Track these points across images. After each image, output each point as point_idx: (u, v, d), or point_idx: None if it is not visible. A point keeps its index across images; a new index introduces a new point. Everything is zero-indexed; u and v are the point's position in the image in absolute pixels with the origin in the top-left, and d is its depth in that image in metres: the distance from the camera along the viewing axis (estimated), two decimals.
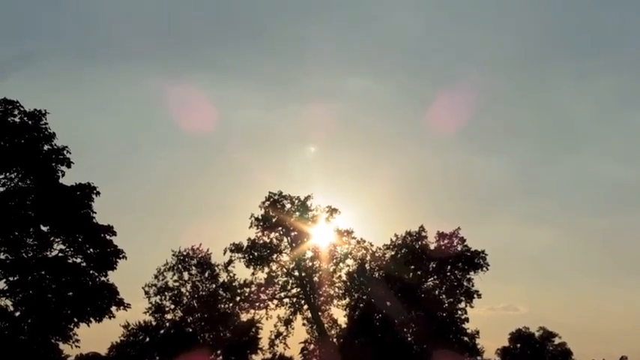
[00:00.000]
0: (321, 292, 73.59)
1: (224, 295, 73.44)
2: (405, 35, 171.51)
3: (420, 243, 75.24)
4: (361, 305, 73.43)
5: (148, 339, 72.74)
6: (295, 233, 72.89)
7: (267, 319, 73.02)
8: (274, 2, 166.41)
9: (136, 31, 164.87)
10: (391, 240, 76.13)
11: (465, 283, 74.46)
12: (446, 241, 75.06)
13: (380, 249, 75.65)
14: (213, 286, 73.36)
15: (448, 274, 75.06)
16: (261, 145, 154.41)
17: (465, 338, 73.91)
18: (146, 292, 71.80)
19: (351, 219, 76.73)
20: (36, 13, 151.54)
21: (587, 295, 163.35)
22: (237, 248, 72.24)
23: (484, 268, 74.21)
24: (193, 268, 73.44)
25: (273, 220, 72.60)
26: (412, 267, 74.35)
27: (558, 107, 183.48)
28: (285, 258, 73.30)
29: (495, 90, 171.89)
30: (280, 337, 72.29)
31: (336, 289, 74.22)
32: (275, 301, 72.86)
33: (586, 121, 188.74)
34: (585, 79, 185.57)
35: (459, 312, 74.09)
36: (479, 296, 74.04)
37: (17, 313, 48.53)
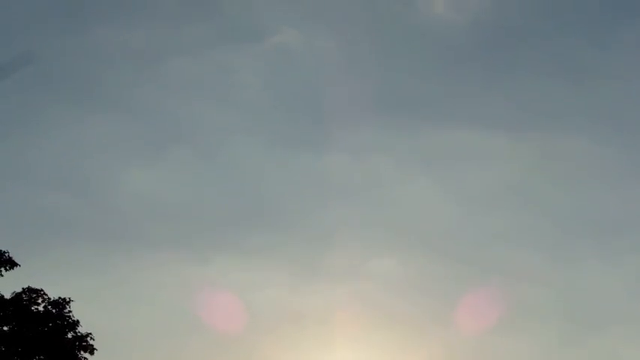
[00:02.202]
0: None
1: None
2: (428, 221, 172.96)
3: None
4: None
5: None
6: None
7: None
8: (298, 187, 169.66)
9: (159, 216, 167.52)
10: None
11: None
12: None
13: None
14: None
15: None
16: (285, 328, 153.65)
17: None
18: None
19: None
20: (56, 200, 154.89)
21: None
22: None
23: None
24: None
25: None
26: None
27: (583, 288, 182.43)
28: None
29: (521, 275, 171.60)
30: None
31: None
32: None
33: (611, 302, 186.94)
34: (610, 260, 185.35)
35: None
36: None
37: None
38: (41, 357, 48.85)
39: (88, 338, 50.19)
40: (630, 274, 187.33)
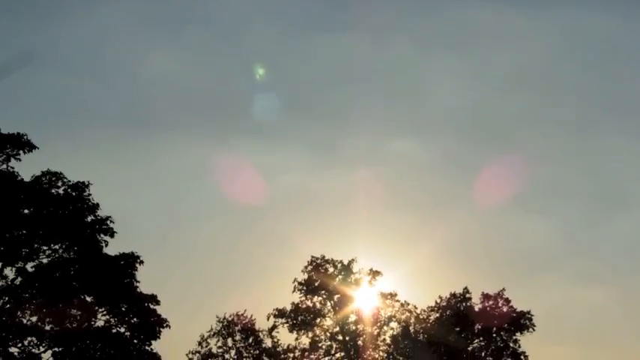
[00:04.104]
0: (365, 356, 72.97)
1: None
2: (448, 101, 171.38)
3: (464, 305, 74.75)
4: None
5: None
6: (339, 297, 72.82)
7: None
8: (318, 71, 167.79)
9: (179, 99, 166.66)
10: (435, 302, 75.78)
11: (512, 345, 73.70)
12: (491, 303, 74.56)
13: (424, 311, 75.24)
14: (257, 352, 73.22)
15: (494, 335, 74.33)
16: (305, 209, 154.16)
17: None
18: (190, 359, 71.89)
19: (394, 282, 76.34)
20: (77, 86, 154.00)
21: None
22: (280, 313, 72.29)
23: (530, 329, 73.62)
24: (237, 334, 73.38)
25: (316, 284, 72.59)
26: (457, 329, 73.72)
27: (608, 168, 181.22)
28: (328, 322, 73.04)
29: (543, 154, 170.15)
30: None
31: (381, 353, 73.61)
32: None
33: (635, 181, 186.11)
34: (633, 139, 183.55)
35: None
36: (526, 358, 73.21)
37: None
38: (62, 239, 49.08)
39: (108, 221, 50.38)
40: None
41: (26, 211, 49.33)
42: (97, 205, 50.31)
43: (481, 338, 74.58)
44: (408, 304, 74.39)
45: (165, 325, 51.44)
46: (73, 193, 49.75)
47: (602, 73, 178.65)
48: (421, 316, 74.99)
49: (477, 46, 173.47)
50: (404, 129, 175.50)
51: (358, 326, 73.90)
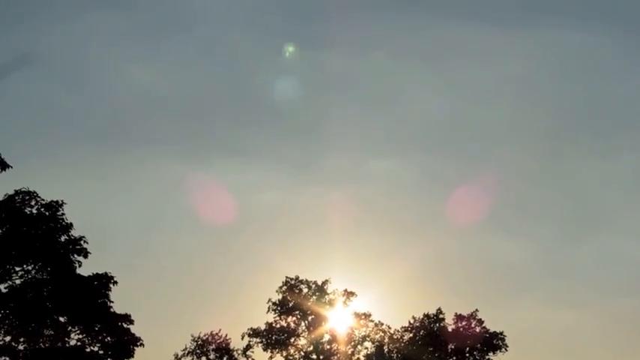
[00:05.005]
0: None
1: None
2: (426, 117, 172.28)
3: (438, 325, 75.25)
4: None
5: None
6: (312, 317, 73.18)
7: None
8: (294, 86, 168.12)
9: (156, 114, 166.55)
10: (409, 322, 76.22)
11: None
12: (464, 323, 75.11)
13: (398, 331, 75.67)
14: None
15: (467, 355, 74.83)
16: (281, 228, 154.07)
17: None
18: None
19: (369, 302, 76.92)
20: (53, 97, 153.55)
21: None
22: (255, 333, 72.56)
23: (503, 349, 74.31)
24: (212, 353, 73.47)
25: (291, 304, 72.97)
26: (430, 349, 74.18)
27: (581, 188, 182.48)
28: (302, 341, 73.34)
29: (518, 172, 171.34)
30: None
31: None
32: None
33: (610, 201, 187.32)
34: (608, 159, 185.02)
35: None
36: None
37: None
38: (35, 259, 49.07)
39: (82, 242, 50.35)
40: (628, 172, 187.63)
41: None
42: (71, 224, 50.25)
43: (454, 358, 75.01)
44: (382, 324, 74.94)
45: (139, 343, 51.59)
46: (47, 213, 49.65)
47: (578, 90, 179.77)
48: (395, 336, 75.41)
49: (455, 62, 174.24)
50: (380, 146, 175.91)
51: (332, 345, 74.20)
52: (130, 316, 51.98)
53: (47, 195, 50.57)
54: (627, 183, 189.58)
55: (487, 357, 74.56)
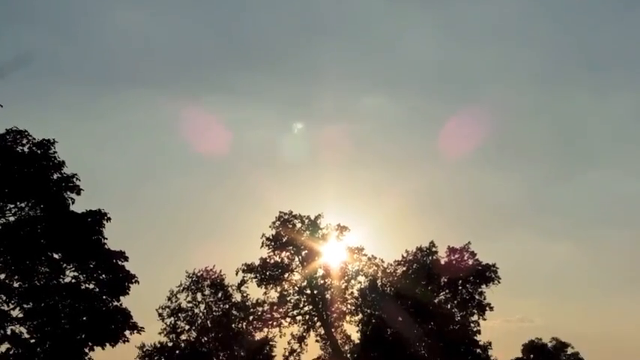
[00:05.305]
0: (333, 309, 74.08)
1: (237, 314, 74.13)
2: (419, 56, 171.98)
3: (430, 258, 75.82)
4: (373, 321, 73.84)
5: None
6: (306, 252, 73.62)
7: (280, 337, 73.76)
8: (288, 25, 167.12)
9: (148, 56, 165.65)
10: (402, 256, 76.83)
11: (477, 297, 74.94)
12: (457, 256, 75.68)
13: (391, 265, 76.31)
14: (227, 306, 74.06)
15: (460, 288, 75.51)
16: (274, 165, 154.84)
17: (478, 350, 74.39)
18: (160, 314, 72.54)
19: (362, 237, 77.50)
20: (46, 41, 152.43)
21: (603, 307, 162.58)
22: (249, 268, 72.99)
23: (495, 282, 74.87)
24: (207, 289, 74.12)
25: (284, 239, 73.31)
26: (423, 282, 74.81)
27: (573, 124, 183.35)
28: (296, 277, 74.05)
29: (510, 109, 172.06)
30: (294, 355, 72.81)
31: (349, 306, 74.76)
32: (288, 319, 73.48)
33: (601, 138, 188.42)
34: (600, 96, 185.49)
35: (472, 325, 74.51)
36: (491, 309, 74.65)
37: (32, 340, 48.91)
38: (27, 197, 49.12)
39: (74, 179, 50.35)
40: (619, 110, 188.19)
41: None
42: (63, 162, 50.20)
43: (447, 291, 75.73)
44: (375, 258, 75.51)
45: (134, 280, 51.87)
46: (38, 151, 49.56)
47: (574, 30, 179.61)
48: (388, 270, 76.00)
49: (450, 3, 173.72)
50: (373, 85, 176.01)
51: (326, 280, 74.83)
52: (124, 253, 52.19)
53: (42, 135, 50.57)
54: (618, 120, 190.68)
55: (479, 289, 75.10)
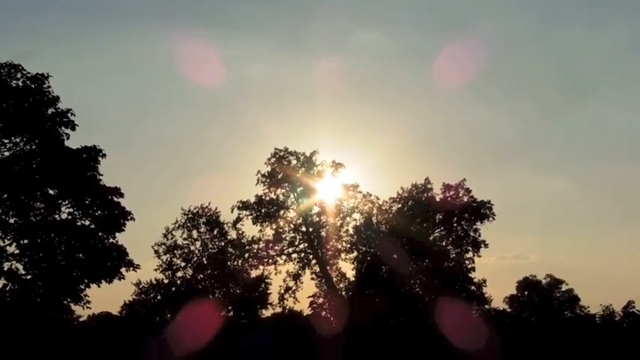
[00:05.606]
0: (328, 247, 74.04)
1: (233, 252, 74.26)
2: None
3: (425, 195, 75.59)
4: (368, 259, 73.94)
5: (159, 297, 73.72)
6: (301, 189, 73.35)
7: (276, 274, 73.82)
8: None
9: None
10: (397, 193, 76.56)
11: (472, 234, 74.93)
12: (452, 193, 75.41)
13: (386, 202, 76.02)
14: (222, 243, 74.15)
15: (455, 225, 75.47)
16: (269, 100, 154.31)
17: (472, 287, 74.77)
18: (156, 251, 72.68)
19: (357, 174, 77.09)
20: None
21: (597, 242, 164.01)
22: (244, 206, 72.71)
23: (490, 218, 74.79)
24: (202, 226, 74.11)
25: (280, 176, 72.84)
26: (418, 219, 74.70)
27: (567, 57, 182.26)
28: (292, 214, 73.85)
29: (503, 42, 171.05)
30: (289, 292, 73.00)
31: (344, 243, 74.70)
32: (283, 257, 73.46)
33: (596, 70, 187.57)
34: (596, 27, 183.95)
35: (466, 262, 74.67)
36: (486, 246, 74.58)
37: (28, 276, 48.93)
38: (22, 132, 48.68)
39: (69, 114, 49.87)
40: (615, 42, 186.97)
41: None
42: (58, 97, 49.75)
43: (442, 228, 75.65)
44: (371, 196, 75.15)
45: (129, 217, 51.69)
46: (33, 86, 49.10)
47: None
48: (383, 207, 75.77)
49: None
50: (367, 18, 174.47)
51: (321, 218, 74.62)
52: (119, 189, 51.92)
53: (36, 70, 50.02)
54: (613, 52, 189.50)
55: (474, 226, 75.07)
